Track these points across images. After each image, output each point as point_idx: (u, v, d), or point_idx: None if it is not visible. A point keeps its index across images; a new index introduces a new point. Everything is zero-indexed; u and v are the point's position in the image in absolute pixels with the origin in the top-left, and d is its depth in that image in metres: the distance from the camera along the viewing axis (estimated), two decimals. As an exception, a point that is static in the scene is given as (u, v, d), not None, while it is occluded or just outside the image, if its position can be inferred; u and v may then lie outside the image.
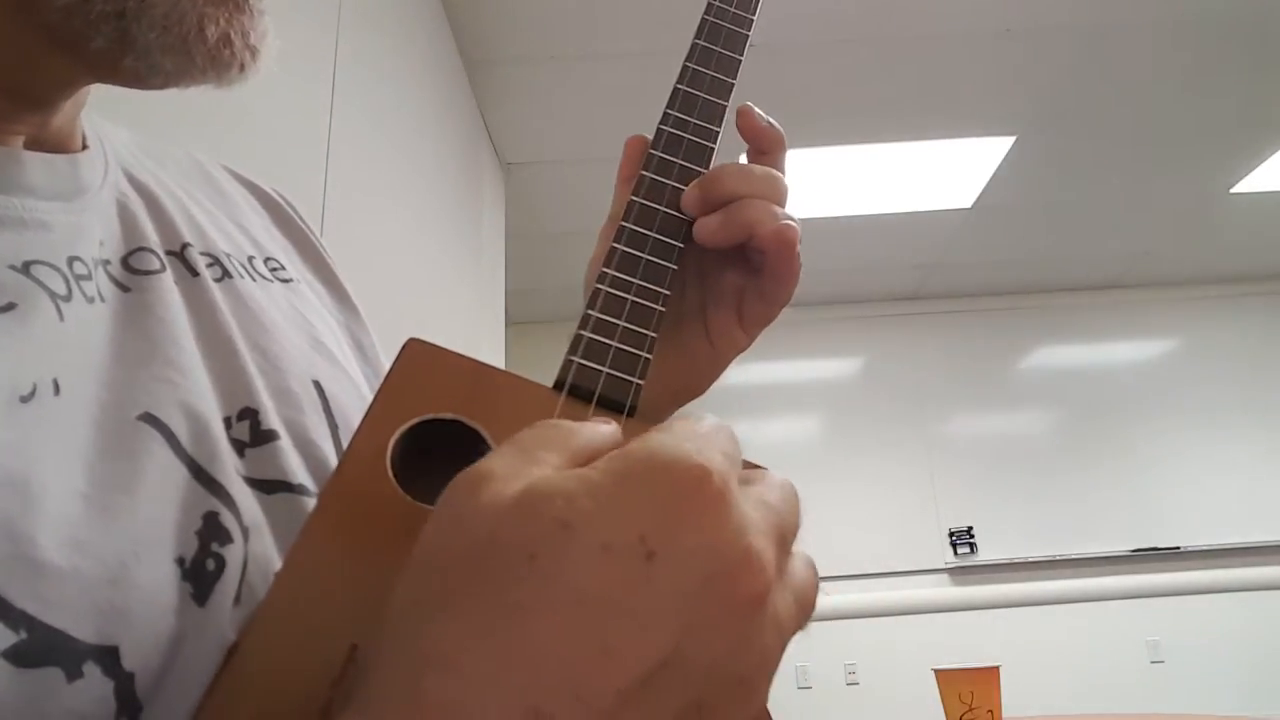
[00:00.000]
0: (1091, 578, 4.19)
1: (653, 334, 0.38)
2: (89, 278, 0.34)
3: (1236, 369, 4.57)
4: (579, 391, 0.36)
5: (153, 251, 0.38)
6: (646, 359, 0.37)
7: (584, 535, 0.22)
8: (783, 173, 0.46)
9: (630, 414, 0.36)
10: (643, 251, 0.41)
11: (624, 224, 0.42)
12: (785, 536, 0.25)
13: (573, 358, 0.36)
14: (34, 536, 0.26)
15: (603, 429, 0.27)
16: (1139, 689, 3.96)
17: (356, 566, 0.29)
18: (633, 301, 0.39)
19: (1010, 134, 3.25)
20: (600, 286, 0.39)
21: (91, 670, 0.26)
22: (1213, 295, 4.73)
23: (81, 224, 0.36)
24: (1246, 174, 3.62)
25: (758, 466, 0.28)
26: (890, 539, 4.28)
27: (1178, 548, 4.23)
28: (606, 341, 0.37)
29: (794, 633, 0.24)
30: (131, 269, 0.37)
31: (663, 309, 0.39)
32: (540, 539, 0.22)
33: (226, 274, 0.41)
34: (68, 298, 0.33)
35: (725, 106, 0.47)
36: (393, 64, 2.02)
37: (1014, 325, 4.70)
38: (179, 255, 0.40)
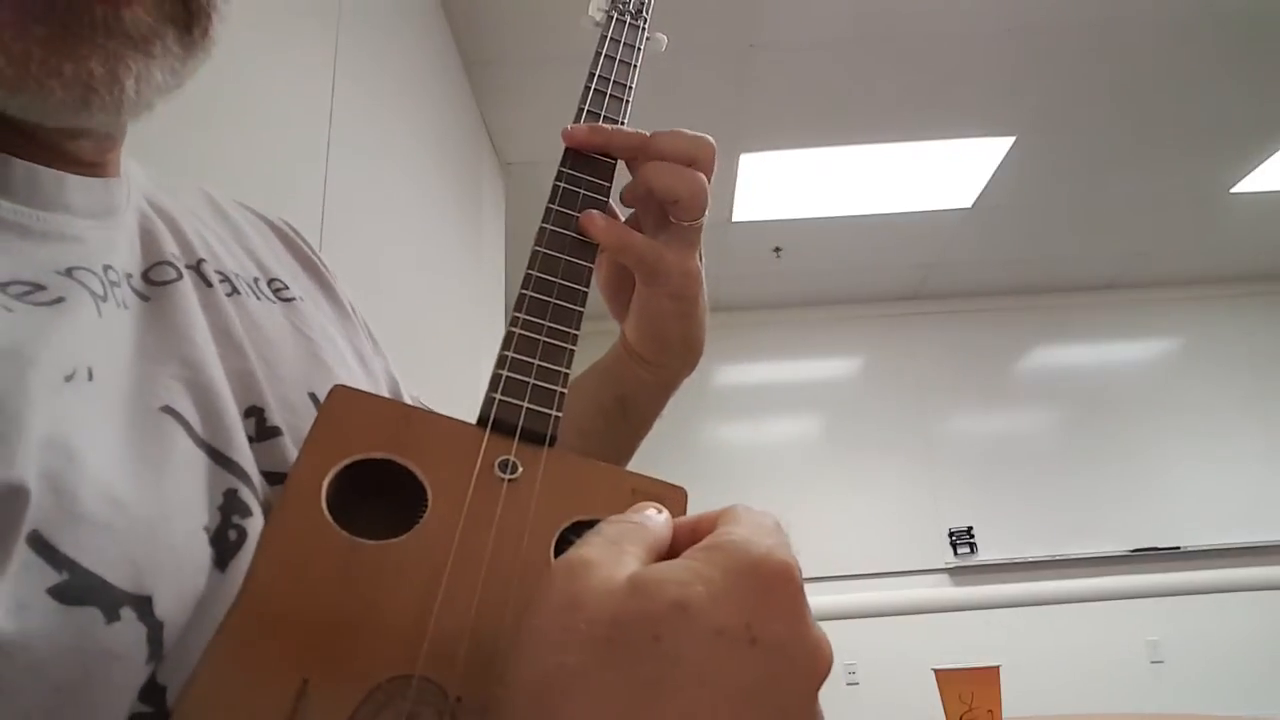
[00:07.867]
0: (1091, 578, 4.19)
1: (566, 370, 0.40)
2: (119, 285, 0.38)
3: (1236, 369, 4.57)
4: (502, 426, 0.37)
5: (171, 264, 0.42)
6: (561, 393, 0.39)
7: (700, 619, 0.24)
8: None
9: (551, 444, 0.37)
10: (550, 296, 0.44)
11: (530, 271, 0.45)
12: None
13: (494, 395, 0.38)
14: (76, 492, 0.29)
15: (661, 521, 0.31)
16: (1139, 689, 3.96)
17: (302, 602, 0.30)
18: (544, 342, 0.41)
19: (1010, 134, 3.25)
20: (513, 329, 0.41)
21: (128, 615, 0.29)
22: (1213, 295, 4.73)
23: (111, 239, 0.40)
24: (1246, 174, 3.63)
25: None
26: (890, 539, 4.27)
27: (1178, 548, 4.23)
28: (524, 379, 0.39)
29: None
30: (151, 281, 0.41)
31: (573, 348, 0.42)
32: (661, 620, 0.24)
33: (235, 291, 0.45)
34: (104, 299, 0.36)
35: (614, 163, 0.51)
36: (393, 64, 2.02)
37: (1014, 325, 4.70)
38: (195, 269, 0.44)
